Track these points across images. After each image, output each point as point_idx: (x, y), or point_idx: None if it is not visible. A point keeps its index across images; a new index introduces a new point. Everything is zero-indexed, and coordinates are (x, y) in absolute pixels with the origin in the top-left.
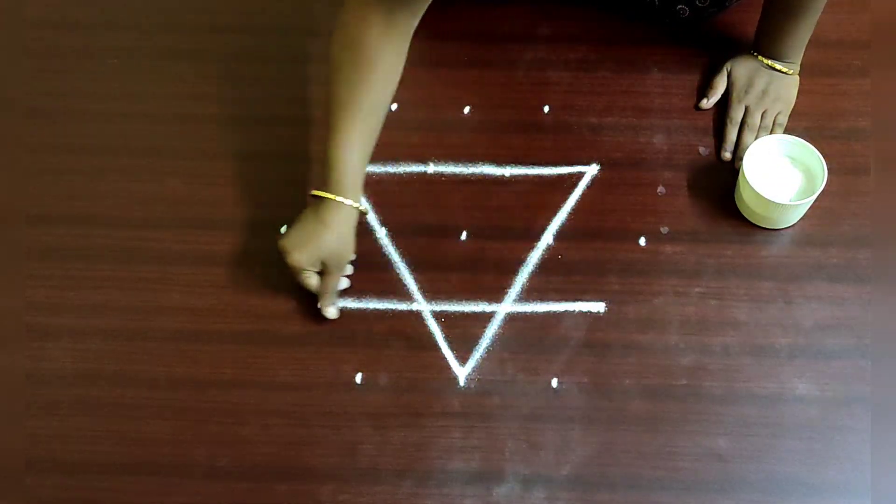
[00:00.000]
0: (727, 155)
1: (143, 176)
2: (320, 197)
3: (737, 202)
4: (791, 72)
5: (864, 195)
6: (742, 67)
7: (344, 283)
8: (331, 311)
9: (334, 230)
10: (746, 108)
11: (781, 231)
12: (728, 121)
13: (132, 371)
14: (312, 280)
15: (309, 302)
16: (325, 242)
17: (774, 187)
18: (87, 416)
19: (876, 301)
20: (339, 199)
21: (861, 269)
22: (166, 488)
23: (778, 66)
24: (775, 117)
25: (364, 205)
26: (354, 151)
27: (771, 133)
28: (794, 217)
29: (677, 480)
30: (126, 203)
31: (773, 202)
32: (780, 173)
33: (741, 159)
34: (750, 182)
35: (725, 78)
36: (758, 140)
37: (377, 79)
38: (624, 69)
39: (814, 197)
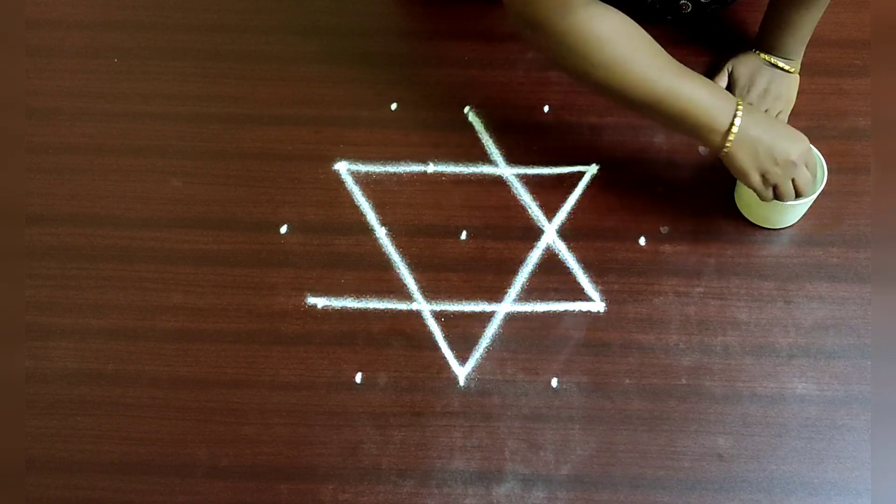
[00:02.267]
0: None
1: (143, 176)
2: (726, 133)
3: (737, 202)
4: (792, 70)
5: (864, 195)
6: (743, 66)
7: None
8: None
9: (765, 116)
10: None
11: (781, 231)
12: None
13: (133, 371)
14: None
15: (309, 302)
16: (783, 132)
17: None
18: (88, 415)
19: (876, 301)
20: (739, 112)
21: (861, 269)
22: (167, 488)
23: (780, 63)
24: (776, 116)
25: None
26: (694, 80)
27: None
28: (793, 217)
29: (677, 480)
30: (127, 203)
31: (773, 202)
32: None
33: None
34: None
35: (727, 77)
36: None
37: (634, 31)
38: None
39: (813, 197)
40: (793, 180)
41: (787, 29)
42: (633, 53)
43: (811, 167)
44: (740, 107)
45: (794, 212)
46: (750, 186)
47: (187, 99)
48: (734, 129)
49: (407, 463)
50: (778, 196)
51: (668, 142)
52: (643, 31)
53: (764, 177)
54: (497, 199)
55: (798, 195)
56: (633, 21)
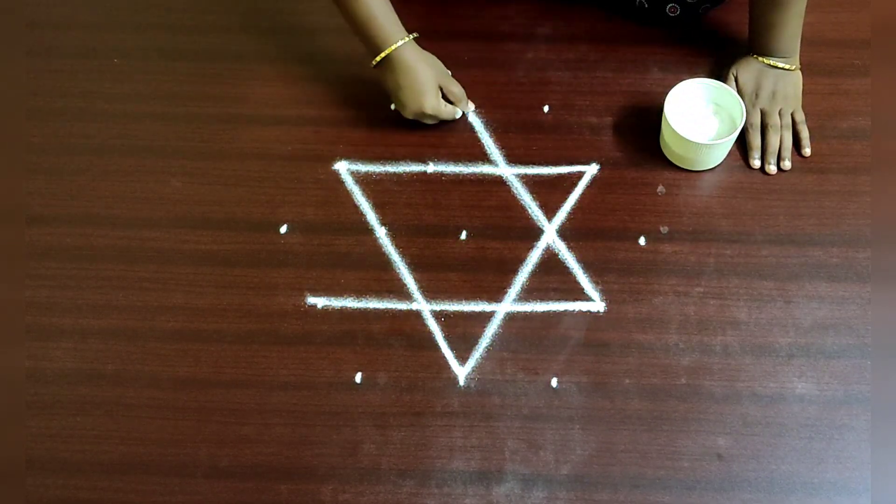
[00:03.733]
0: (756, 162)
1: (143, 176)
2: (384, 59)
3: (661, 147)
4: (793, 67)
5: (864, 195)
6: (747, 72)
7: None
8: (470, 104)
9: (420, 61)
10: (763, 111)
11: (781, 231)
12: (749, 127)
13: (133, 371)
14: (450, 107)
15: (309, 302)
16: (427, 74)
17: (695, 129)
18: (88, 415)
19: (876, 301)
20: (398, 44)
21: (861, 269)
22: (167, 488)
23: (780, 64)
24: (792, 114)
25: (412, 34)
26: (380, 4)
27: (794, 132)
28: (711, 159)
29: (677, 480)
30: (127, 203)
31: (689, 143)
32: (702, 116)
33: (771, 163)
34: (671, 123)
35: (733, 84)
36: (682, 83)
37: None
38: (624, 69)
39: (731, 139)
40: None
41: (774, 31)
42: None
43: (442, 115)
44: (392, 48)
45: (712, 153)
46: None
47: (187, 99)
48: (375, 60)
49: (407, 463)
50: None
51: None
52: None
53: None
54: (497, 199)
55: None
56: None
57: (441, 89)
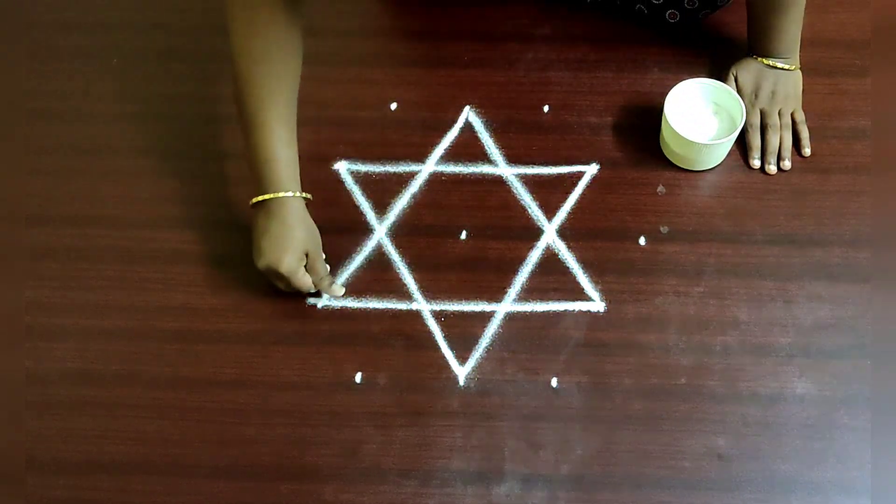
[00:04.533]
0: (756, 162)
1: (144, 176)
2: (265, 201)
3: (661, 147)
4: (793, 67)
5: (864, 195)
6: (746, 73)
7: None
8: (337, 288)
9: (300, 221)
10: (762, 111)
11: (781, 231)
12: (749, 127)
13: (133, 371)
14: (307, 278)
15: (309, 302)
16: (299, 236)
17: (694, 129)
18: (89, 415)
19: (876, 301)
20: (287, 194)
21: (861, 269)
22: (168, 488)
23: (779, 64)
24: (792, 114)
25: (305, 194)
26: (285, 144)
27: (794, 132)
28: (713, 159)
29: (678, 479)
30: (127, 203)
31: (688, 142)
32: (701, 116)
33: (771, 163)
34: (671, 123)
35: (733, 85)
36: (682, 83)
37: (292, 65)
38: (624, 69)
39: (731, 138)
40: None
41: (772, 33)
42: (269, 69)
43: (293, 281)
44: (283, 195)
45: (712, 153)
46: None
47: (187, 99)
48: (254, 200)
49: (408, 463)
50: (281, 286)
51: None
52: (297, 61)
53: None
54: (497, 198)
55: (301, 287)
56: (292, 58)
57: (306, 258)
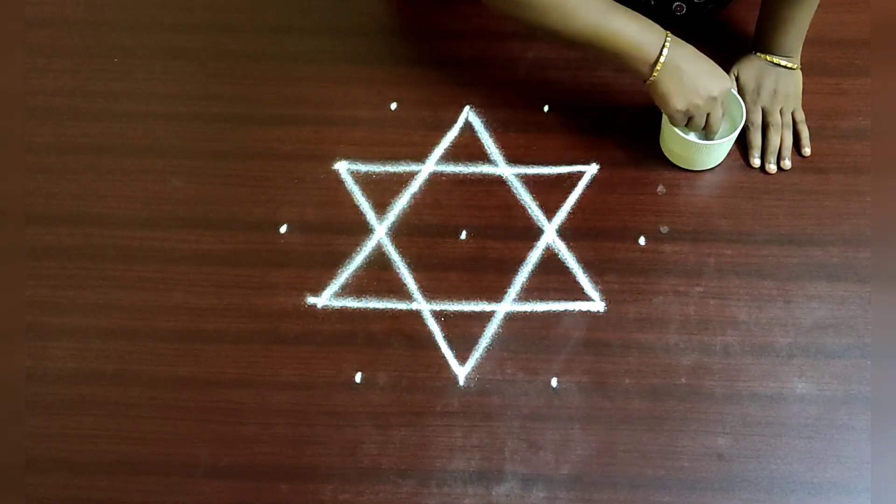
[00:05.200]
0: (756, 161)
1: (143, 175)
2: (661, 55)
3: (661, 147)
4: (794, 66)
5: (864, 195)
6: (748, 70)
7: None
8: None
9: (692, 50)
10: (763, 110)
11: (781, 231)
12: (750, 125)
13: (133, 370)
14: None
15: (309, 302)
16: (704, 58)
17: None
18: (88, 415)
19: (876, 301)
20: (668, 37)
21: (861, 269)
22: (168, 488)
23: (783, 62)
24: (793, 114)
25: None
26: (625, 15)
27: (794, 131)
28: (712, 159)
29: (678, 480)
30: (127, 203)
31: (693, 143)
32: None
33: (771, 162)
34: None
35: (734, 83)
36: None
37: None
38: (624, 69)
39: (732, 138)
40: (708, 116)
41: (784, 27)
42: None
43: (726, 109)
44: (668, 39)
45: (713, 153)
46: (668, 113)
47: (187, 99)
48: (661, 60)
49: (407, 463)
50: (691, 127)
51: None
52: None
53: (684, 107)
54: (497, 198)
55: (708, 131)
56: None
57: None
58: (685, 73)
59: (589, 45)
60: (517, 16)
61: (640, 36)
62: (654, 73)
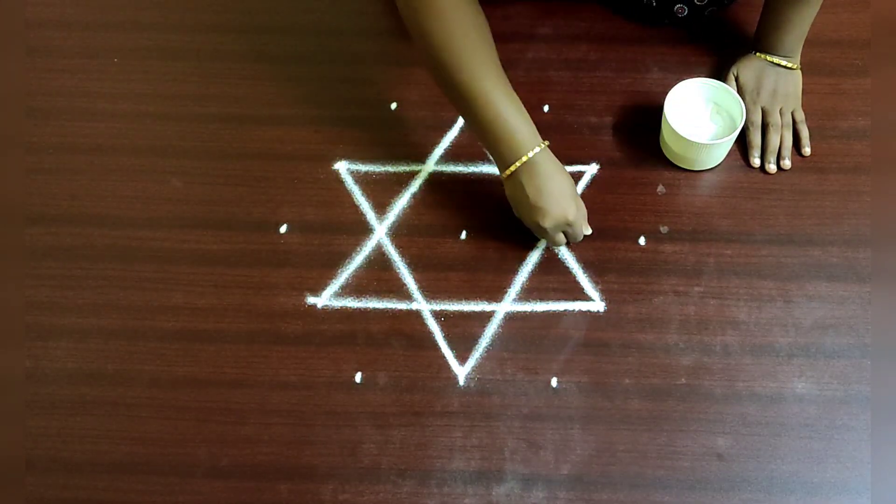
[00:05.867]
0: (756, 161)
1: (143, 176)
2: (521, 166)
3: (661, 147)
4: (794, 66)
5: (864, 195)
6: (748, 70)
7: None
8: (588, 228)
9: (560, 168)
10: (763, 110)
11: (781, 231)
12: (750, 125)
13: (133, 370)
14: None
15: (309, 302)
16: (569, 180)
17: (694, 129)
18: (88, 415)
19: (876, 301)
20: (537, 149)
21: (861, 269)
22: (167, 488)
23: (783, 62)
24: (792, 113)
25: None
26: (513, 103)
27: (794, 131)
28: (713, 159)
29: (677, 479)
30: (127, 203)
31: (690, 142)
32: (701, 116)
33: (771, 162)
34: (671, 123)
35: (734, 83)
36: (682, 83)
37: (485, 30)
38: (624, 69)
39: (731, 139)
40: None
41: (785, 27)
42: (469, 41)
43: (577, 226)
44: (540, 149)
45: (712, 153)
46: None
47: (187, 99)
48: (510, 169)
49: (407, 463)
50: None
51: None
52: (488, 30)
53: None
54: (497, 198)
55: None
56: (483, 18)
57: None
58: (524, 194)
59: (468, 104)
60: (415, 32)
61: (523, 127)
62: (509, 171)
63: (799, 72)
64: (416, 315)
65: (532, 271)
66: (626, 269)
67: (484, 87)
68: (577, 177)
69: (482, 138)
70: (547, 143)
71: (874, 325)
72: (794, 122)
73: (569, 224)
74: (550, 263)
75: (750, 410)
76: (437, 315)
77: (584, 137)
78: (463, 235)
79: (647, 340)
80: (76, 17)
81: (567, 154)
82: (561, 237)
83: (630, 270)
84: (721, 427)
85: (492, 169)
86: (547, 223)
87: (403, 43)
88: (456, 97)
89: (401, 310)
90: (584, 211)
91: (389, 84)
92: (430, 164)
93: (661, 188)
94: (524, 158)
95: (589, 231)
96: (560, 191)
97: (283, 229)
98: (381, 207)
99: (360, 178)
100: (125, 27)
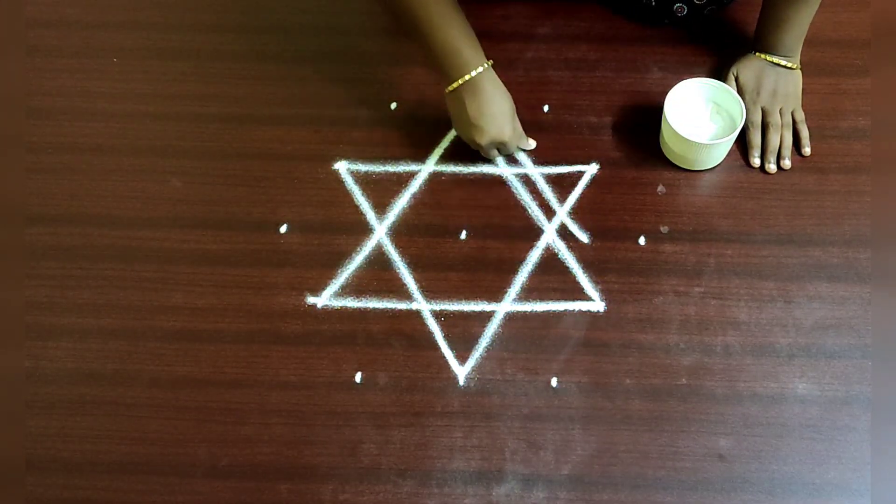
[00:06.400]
0: (756, 161)
1: (143, 176)
2: (463, 84)
3: (661, 147)
4: (794, 66)
5: (864, 195)
6: (748, 70)
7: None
8: (531, 141)
9: (501, 88)
10: (763, 110)
11: (781, 231)
12: (750, 125)
13: (133, 370)
14: (524, 136)
15: (308, 302)
16: (509, 100)
17: (694, 129)
18: (88, 415)
19: (876, 301)
20: (480, 69)
21: (861, 269)
22: (167, 488)
23: (782, 62)
24: (792, 113)
25: (490, 61)
26: (461, 25)
27: (794, 131)
28: (713, 159)
29: (678, 480)
30: (127, 203)
31: (688, 142)
32: (701, 116)
33: (771, 162)
34: (671, 123)
35: (734, 83)
36: (682, 83)
37: None
38: (624, 69)
39: (730, 139)
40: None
41: (784, 26)
42: None
43: (511, 145)
44: (484, 68)
45: (712, 153)
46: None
47: (187, 99)
48: (452, 86)
49: (407, 463)
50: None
51: None
52: None
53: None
54: (497, 198)
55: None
56: None
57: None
58: (462, 111)
59: (418, 28)
60: None
61: (467, 48)
62: (451, 87)
63: (799, 71)
64: (416, 315)
65: (532, 271)
66: (626, 269)
67: (430, 10)
68: (576, 177)
69: (429, 57)
70: (490, 62)
71: (875, 325)
72: (794, 122)
73: (503, 143)
74: (550, 263)
75: (751, 411)
76: (437, 315)
77: (584, 137)
78: (463, 235)
79: (647, 340)
80: (76, 17)
81: (567, 154)
82: (494, 153)
83: (630, 270)
84: (722, 428)
85: (492, 169)
86: (483, 141)
87: (403, 43)
88: (406, 21)
89: (401, 310)
90: (520, 130)
91: (389, 84)
92: (430, 164)
93: (661, 188)
94: (467, 77)
95: (530, 145)
96: (499, 111)
97: (283, 229)
98: (381, 207)
99: (360, 178)
100: (125, 27)
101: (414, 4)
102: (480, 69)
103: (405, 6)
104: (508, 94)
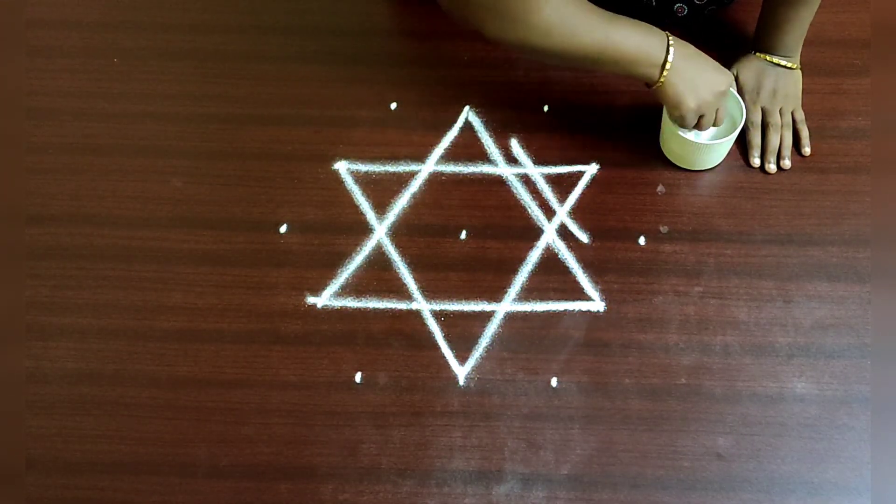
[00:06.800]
0: (756, 161)
1: (143, 176)
2: (661, 66)
3: (661, 147)
4: (794, 66)
5: (864, 195)
6: (748, 70)
7: None
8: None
9: (695, 54)
10: (763, 110)
11: (781, 231)
12: (750, 125)
13: (133, 370)
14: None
15: (308, 302)
16: (706, 61)
17: (694, 129)
18: (88, 415)
19: (876, 301)
20: (671, 41)
21: (861, 269)
22: (167, 488)
23: (782, 62)
24: (792, 113)
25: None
26: (628, 26)
27: (794, 131)
28: (713, 159)
29: (677, 480)
30: (126, 203)
31: (695, 144)
32: None
33: (771, 162)
34: (671, 123)
35: (734, 83)
36: None
37: None
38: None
39: (732, 138)
40: (716, 111)
41: (784, 27)
42: (566, 17)
43: (726, 107)
44: (671, 40)
45: (713, 153)
46: (680, 116)
47: (187, 99)
48: (670, 61)
49: (407, 462)
50: (699, 126)
51: None
52: None
53: (696, 105)
54: (497, 198)
55: (714, 125)
56: None
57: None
58: (692, 71)
59: (594, 60)
60: (520, 40)
61: (644, 41)
62: (663, 77)
63: (799, 71)
64: (416, 315)
65: (532, 271)
66: (626, 269)
67: (595, 34)
68: (576, 177)
69: (621, 71)
70: (667, 34)
71: (874, 325)
72: (794, 122)
73: (720, 100)
74: (550, 263)
75: (750, 410)
76: (437, 315)
77: (584, 137)
78: (463, 235)
79: (647, 340)
80: (76, 17)
81: (567, 154)
82: (713, 115)
83: (630, 270)
84: (721, 427)
85: (492, 169)
86: (727, 78)
87: (403, 43)
88: (578, 61)
89: (401, 310)
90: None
91: (389, 84)
92: (430, 164)
93: (661, 188)
94: (669, 61)
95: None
96: (711, 67)
97: (282, 229)
98: (381, 207)
99: (360, 178)
100: (125, 27)
101: (577, 39)
102: (669, 38)
103: (576, 56)
104: (701, 53)
